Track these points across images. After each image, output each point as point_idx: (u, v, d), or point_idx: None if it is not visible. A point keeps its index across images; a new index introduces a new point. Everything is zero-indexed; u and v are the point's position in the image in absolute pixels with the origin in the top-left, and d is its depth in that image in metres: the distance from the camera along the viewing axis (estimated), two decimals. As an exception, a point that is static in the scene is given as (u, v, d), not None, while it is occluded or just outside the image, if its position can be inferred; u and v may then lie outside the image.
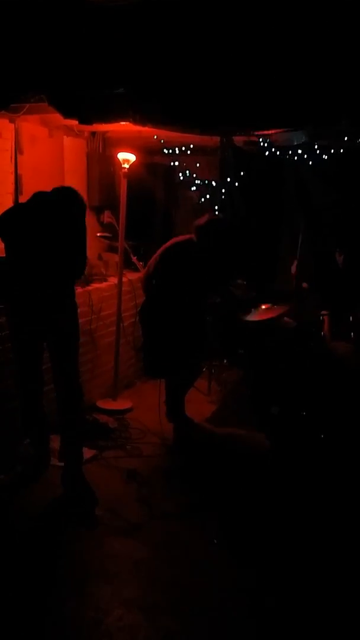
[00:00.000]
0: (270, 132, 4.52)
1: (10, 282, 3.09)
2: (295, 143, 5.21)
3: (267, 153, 5.23)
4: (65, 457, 3.19)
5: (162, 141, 5.24)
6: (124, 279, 4.53)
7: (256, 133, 4.73)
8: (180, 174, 5.90)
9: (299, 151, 5.17)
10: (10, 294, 3.12)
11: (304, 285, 4.59)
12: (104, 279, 4.55)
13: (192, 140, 5.28)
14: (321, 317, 4.22)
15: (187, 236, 3.79)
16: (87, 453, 3.57)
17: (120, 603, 2.36)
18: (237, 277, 4.45)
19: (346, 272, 4.24)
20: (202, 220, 3.73)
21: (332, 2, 3.17)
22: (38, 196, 3.10)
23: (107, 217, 5.03)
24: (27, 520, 2.91)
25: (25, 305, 3.08)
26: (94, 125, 4.25)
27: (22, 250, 3.02)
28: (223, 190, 5.46)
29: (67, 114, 3.75)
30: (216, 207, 5.53)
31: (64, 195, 3.11)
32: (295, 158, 5.22)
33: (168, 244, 3.79)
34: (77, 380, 3.21)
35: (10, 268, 3.06)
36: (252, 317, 4.19)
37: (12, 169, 4.52)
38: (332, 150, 5.11)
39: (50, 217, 3.02)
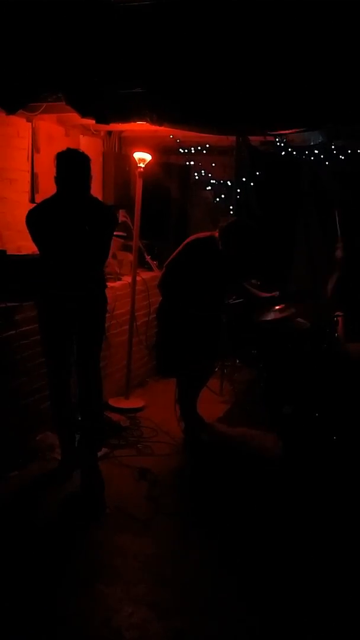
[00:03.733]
0: (287, 132, 4.50)
1: (42, 276, 3.14)
2: (312, 143, 5.18)
3: (283, 153, 5.22)
4: (80, 452, 3.19)
5: (178, 141, 5.25)
6: (138, 278, 4.54)
7: (273, 133, 4.71)
8: (196, 174, 5.90)
9: (316, 151, 5.15)
10: (39, 288, 3.16)
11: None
12: (117, 277, 4.57)
13: (208, 139, 5.28)
14: (335, 318, 4.20)
15: (207, 233, 3.79)
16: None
17: (129, 601, 2.37)
18: (252, 277, 4.44)
19: None
20: (228, 222, 3.78)
21: (352, 4, 3.14)
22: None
23: (121, 216, 5.05)
24: (36, 518, 2.93)
25: (56, 296, 3.10)
26: (111, 124, 4.26)
27: (53, 242, 3.08)
28: (238, 190, 5.46)
29: (84, 113, 3.77)
30: (231, 207, 5.53)
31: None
32: (312, 158, 5.19)
33: (189, 239, 3.79)
34: (98, 374, 3.25)
35: (44, 263, 3.13)
36: (267, 317, 4.19)
37: (29, 168, 4.56)
38: (349, 151, 5.07)
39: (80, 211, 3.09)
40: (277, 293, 4.17)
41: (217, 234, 3.70)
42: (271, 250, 5.42)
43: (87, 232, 3.03)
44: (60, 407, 3.29)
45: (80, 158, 3.07)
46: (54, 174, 3.08)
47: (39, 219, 3.09)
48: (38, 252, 3.17)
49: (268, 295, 4.16)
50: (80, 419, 3.24)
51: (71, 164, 3.04)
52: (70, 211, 3.05)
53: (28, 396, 3.45)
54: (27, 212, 4.53)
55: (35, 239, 3.11)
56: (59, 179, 3.06)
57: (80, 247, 3.04)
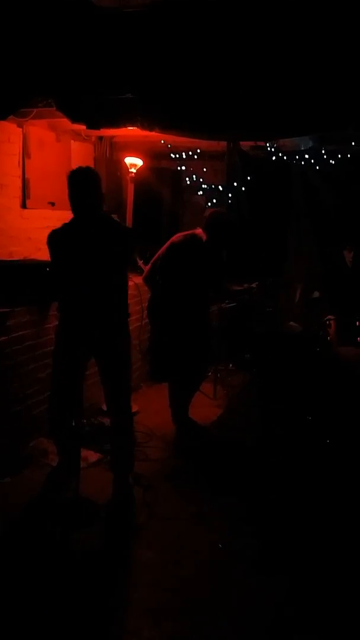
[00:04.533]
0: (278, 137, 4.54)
1: (60, 284, 3.08)
2: (303, 148, 5.22)
3: (274, 158, 5.24)
4: (113, 471, 3.17)
5: (169, 146, 5.26)
6: (130, 283, 4.49)
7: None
8: (187, 179, 5.92)
9: (306, 156, 5.18)
10: (62, 297, 3.09)
11: (317, 294, 4.60)
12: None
13: (199, 144, 5.31)
14: (328, 322, 4.22)
15: (190, 231, 3.91)
16: (93, 456, 3.58)
17: (124, 607, 2.35)
18: (236, 272, 4.53)
19: (355, 271, 4.26)
20: (207, 212, 3.99)
21: (340, 11, 3.18)
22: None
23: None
24: (30, 524, 2.91)
25: (76, 314, 3.02)
26: (102, 130, 4.27)
27: (71, 267, 2.99)
28: (230, 195, 5.48)
29: (75, 119, 3.78)
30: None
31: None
32: (303, 163, 5.23)
33: (173, 237, 3.89)
34: (127, 401, 3.16)
35: (60, 275, 3.06)
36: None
37: (20, 173, 4.56)
38: (339, 155, 5.11)
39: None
40: (256, 284, 4.24)
41: (199, 231, 3.80)
42: (262, 252, 5.46)
43: (104, 257, 2.96)
44: (58, 415, 3.16)
45: (85, 177, 2.97)
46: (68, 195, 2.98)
47: (58, 243, 3.00)
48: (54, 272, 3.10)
49: (241, 288, 4.27)
50: (111, 446, 3.25)
51: (79, 184, 2.95)
52: (87, 235, 2.97)
53: (21, 402, 3.43)
54: (17, 218, 4.55)
55: (54, 261, 3.04)
56: (70, 200, 2.97)
57: (98, 273, 2.96)
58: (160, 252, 3.86)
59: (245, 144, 5.27)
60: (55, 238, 3.02)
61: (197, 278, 3.76)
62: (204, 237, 3.79)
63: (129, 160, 4.31)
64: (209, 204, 5.85)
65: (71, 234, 3.01)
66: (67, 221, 3.04)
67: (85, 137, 5.19)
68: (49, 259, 3.06)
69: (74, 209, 2.98)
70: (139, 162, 4.32)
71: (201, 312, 3.92)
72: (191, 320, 3.80)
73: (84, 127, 4.06)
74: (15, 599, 2.39)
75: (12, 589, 2.45)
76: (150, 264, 3.94)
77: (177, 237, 3.87)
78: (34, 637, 2.20)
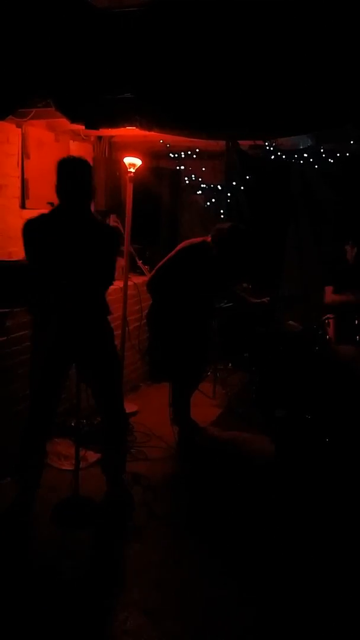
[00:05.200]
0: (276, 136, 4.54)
1: (35, 288, 2.91)
2: (301, 147, 5.22)
3: (272, 157, 5.24)
4: (107, 473, 3.12)
5: (168, 145, 5.26)
6: (129, 283, 4.53)
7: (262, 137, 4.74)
8: (186, 178, 5.92)
9: (305, 155, 5.18)
10: (36, 301, 2.93)
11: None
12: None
13: (198, 144, 5.31)
14: (327, 321, 4.22)
15: (199, 238, 3.81)
16: (92, 456, 3.58)
17: (124, 606, 2.36)
18: (242, 281, 4.47)
19: (356, 267, 4.26)
20: (225, 225, 3.76)
21: (338, 8, 3.18)
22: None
23: (112, 221, 5.05)
24: (28, 524, 2.91)
25: (58, 317, 2.85)
26: (100, 129, 4.27)
27: (50, 261, 2.81)
28: (229, 194, 5.48)
29: (73, 119, 3.78)
30: (221, 211, 5.55)
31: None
32: (301, 162, 5.23)
33: (181, 245, 3.81)
34: (121, 405, 3.09)
35: (38, 275, 2.88)
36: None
37: (19, 174, 4.56)
38: (338, 154, 5.11)
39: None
40: (267, 299, 4.20)
41: (209, 239, 3.72)
42: (262, 253, 5.45)
43: (90, 253, 2.82)
44: (32, 448, 2.98)
45: (75, 167, 2.84)
46: (55, 184, 2.85)
47: (37, 233, 2.81)
48: (30, 268, 2.90)
49: (258, 301, 4.18)
50: (104, 449, 3.17)
51: (68, 174, 2.82)
52: (72, 229, 2.82)
53: (21, 402, 3.43)
54: (17, 218, 4.54)
55: (29, 253, 2.84)
56: (57, 190, 2.84)
57: (82, 269, 2.81)
58: (166, 258, 3.78)
59: (244, 143, 5.27)
60: (33, 228, 2.82)
61: (203, 285, 3.71)
62: (214, 248, 3.66)
63: (127, 160, 4.31)
64: (208, 203, 5.85)
65: (54, 225, 2.83)
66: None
67: (84, 137, 5.19)
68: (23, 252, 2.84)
69: (61, 199, 2.84)
70: (137, 161, 4.31)
71: (203, 318, 3.89)
72: (193, 326, 3.76)
73: (82, 127, 4.05)
74: (14, 599, 2.39)
75: (10, 590, 2.45)
76: (154, 271, 3.86)
77: (186, 243, 3.78)
78: (34, 637, 2.20)
